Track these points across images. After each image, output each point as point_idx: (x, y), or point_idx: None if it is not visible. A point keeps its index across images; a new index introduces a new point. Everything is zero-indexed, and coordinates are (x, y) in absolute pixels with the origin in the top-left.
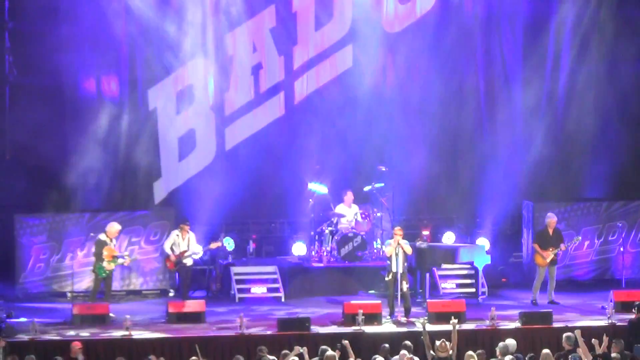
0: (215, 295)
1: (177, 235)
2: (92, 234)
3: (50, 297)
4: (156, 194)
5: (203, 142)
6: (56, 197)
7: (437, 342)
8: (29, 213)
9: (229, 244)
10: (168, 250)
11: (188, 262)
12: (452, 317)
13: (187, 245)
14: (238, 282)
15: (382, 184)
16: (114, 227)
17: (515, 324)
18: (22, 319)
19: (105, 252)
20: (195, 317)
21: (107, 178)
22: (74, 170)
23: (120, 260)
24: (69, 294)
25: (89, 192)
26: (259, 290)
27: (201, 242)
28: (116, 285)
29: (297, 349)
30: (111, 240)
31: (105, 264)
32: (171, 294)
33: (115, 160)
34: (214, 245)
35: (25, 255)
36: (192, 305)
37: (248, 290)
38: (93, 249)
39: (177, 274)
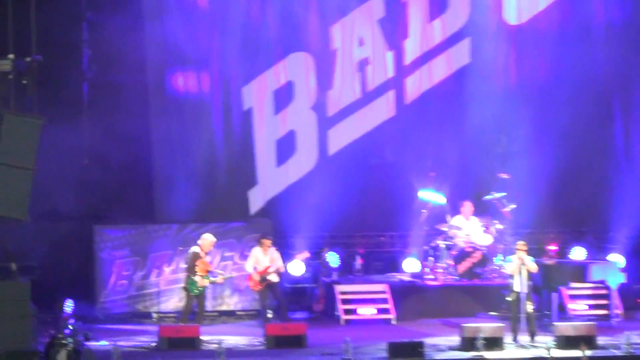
0: (317, 317)
1: (259, 252)
2: (180, 248)
3: (134, 318)
4: (252, 204)
5: (304, 145)
6: (140, 207)
7: None
8: (110, 224)
9: (333, 259)
10: (250, 270)
11: (273, 278)
12: (582, 344)
13: (269, 261)
14: (343, 302)
15: (504, 194)
16: (208, 239)
17: None
18: (103, 343)
19: (198, 266)
20: (295, 341)
21: (197, 185)
22: (159, 176)
23: (212, 278)
24: (154, 315)
25: (177, 201)
26: (367, 311)
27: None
28: (208, 305)
29: None
30: (205, 254)
31: (198, 279)
32: (270, 316)
33: (206, 166)
34: (301, 257)
35: (105, 271)
36: (293, 328)
37: (354, 311)
38: (184, 263)
39: (261, 295)
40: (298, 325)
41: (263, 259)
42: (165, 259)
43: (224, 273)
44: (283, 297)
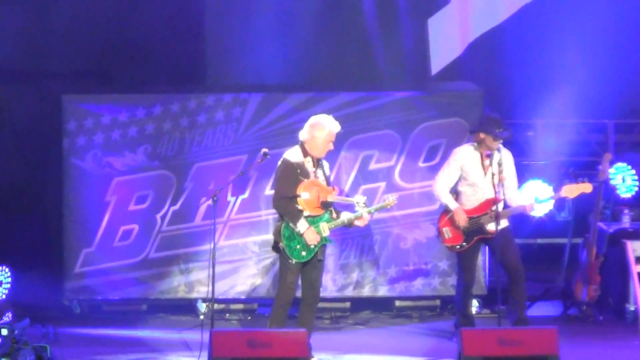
0: (586, 315)
1: (470, 154)
2: (265, 151)
3: (152, 315)
4: (435, 52)
5: None
6: (175, 64)
7: None
8: (97, 93)
9: (621, 182)
10: (446, 198)
11: (502, 223)
12: None
13: (497, 179)
14: None
15: None
16: (322, 127)
17: None
18: None
19: (305, 195)
20: None
21: (298, 23)
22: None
23: (338, 220)
24: (202, 306)
25: (253, 52)
26: None
27: (552, 180)
28: (329, 284)
29: None
30: (316, 164)
31: (301, 226)
32: (474, 309)
33: None
34: (572, 192)
35: (89, 198)
36: (526, 338)
37: None
38: (276, 191)
39: (461, 258)
40: (538, 334)
41: (479, 169)
42: (224, 177)
43: (363, 202)
44: (521, 269)
